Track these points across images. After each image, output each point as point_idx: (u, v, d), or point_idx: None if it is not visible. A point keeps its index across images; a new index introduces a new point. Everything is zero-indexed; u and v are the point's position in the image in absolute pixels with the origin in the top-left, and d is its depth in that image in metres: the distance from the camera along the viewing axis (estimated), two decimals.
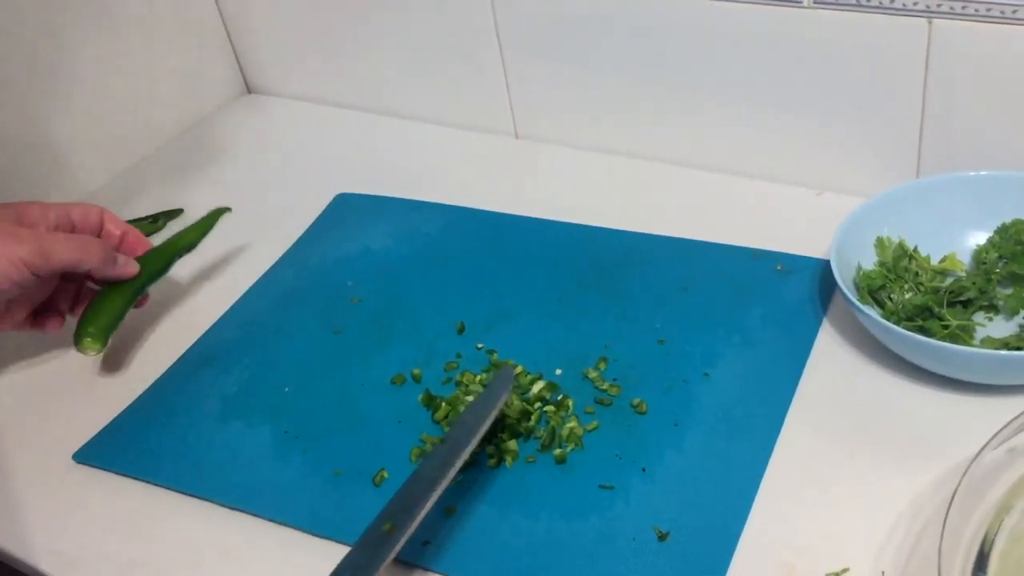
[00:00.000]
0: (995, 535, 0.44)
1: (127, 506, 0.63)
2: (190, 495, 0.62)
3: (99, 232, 0.72)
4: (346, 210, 0.86)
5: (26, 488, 0.65)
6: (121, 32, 0.93)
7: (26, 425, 0.70)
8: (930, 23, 0.67)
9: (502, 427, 0.62)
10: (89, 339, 0.68)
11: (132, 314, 0.74)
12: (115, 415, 0.68)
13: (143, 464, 0.64)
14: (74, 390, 0.72)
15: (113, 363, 0.73)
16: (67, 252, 0.65)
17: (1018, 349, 0.60)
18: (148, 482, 0.64)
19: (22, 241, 0.63)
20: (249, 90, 1.07)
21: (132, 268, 0.71)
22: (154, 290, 0.75)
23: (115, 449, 0.66)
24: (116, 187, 0.94)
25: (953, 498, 0.46)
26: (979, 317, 0.64)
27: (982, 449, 0.48)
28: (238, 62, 1.05)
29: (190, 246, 0.78)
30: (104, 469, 0.65)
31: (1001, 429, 0.49)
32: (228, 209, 0.80)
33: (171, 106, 1.00)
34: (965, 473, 0.47)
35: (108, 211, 0.73)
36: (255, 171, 0.94)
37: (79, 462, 0.66)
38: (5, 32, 0.84)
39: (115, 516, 0.62)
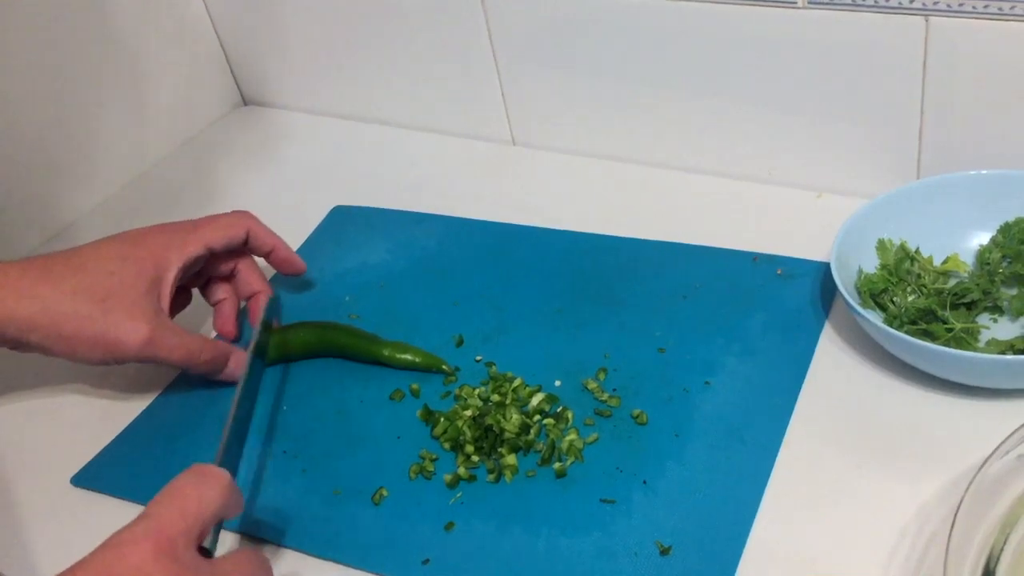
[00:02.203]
0: (1001, 550, 0.43)
1: None
2: None
3: (245, 244, 0.71)
4: (343, 223, 0.85)
5: (24, 513, 0.64)
6: (115, 48, 0.92)
7: (24, 449, 0.69)
8: (927, 21, 0.66)
9: (501, 441, 0.61)
10: None
11: None
12: (112, 438, 0.68)
13: (141, 487, 0.63)
14: (71, 414, 0.71)
15: (109, 384, 0.73)
16: (172, 358, 0.65)
17: (1023, 352, 0.59)
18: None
19: (134, 338, 0.63)
20: (245, 102, 1.07)
21: (236, 374, 0.68)
22: None
23: (113, 472, 0.65)
24: (113, 204, 0.94)
25: (958, 511, 0.45)
26: (983, 319, 0.63)
27: (987, 459, 0.47)
28: (233, 74, 1.05)
29: (379, 359, 0.69)
30: (102, 492, 0.65)
31: (1008, 437, 0.48)
32: (453, 374, 0.68)
33: (167, 120, 1.00)
34: (970, 485, 0.46)
35: (255, 225, 0.71)
36: (251, 184, 0.94)
37: (77, 486, 0.65)
38: (1, 51, 0.84)
39: None
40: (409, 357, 0.68)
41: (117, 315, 0.63)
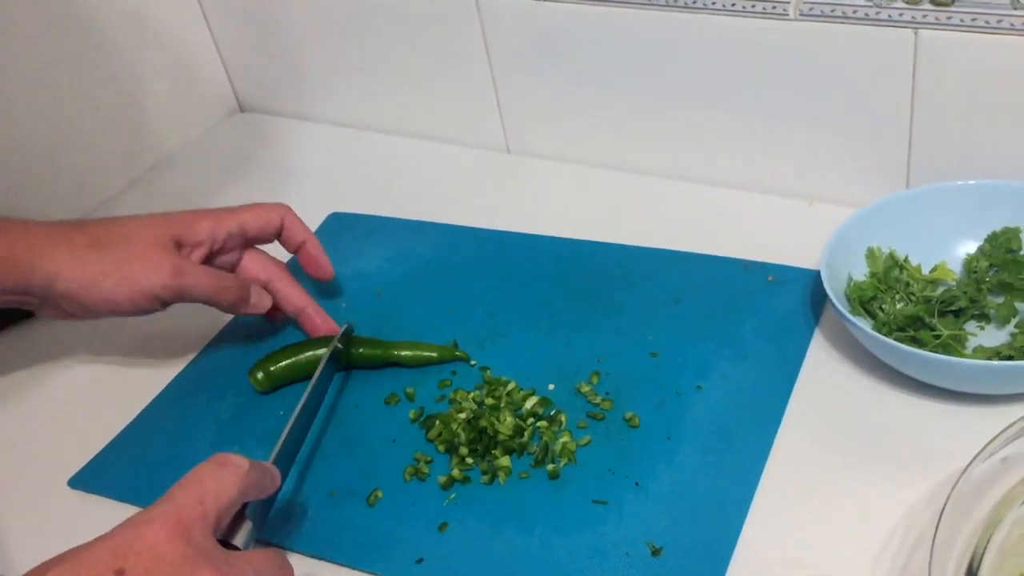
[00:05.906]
0: (984, 551, 0.44)
1: None
2: None
3: (279, 235, 0.72)
4: (339, 230, 0.86)
5: (21, 515, 0.65)
6: (112, 53, 0.93)
7: (20, 451, 0.70)
8: (916, 34, 0.67)
9: (495, 443, 0.62)
10: (255, 377, 0.69)
11: (126, 337, 0.74)
12: (110, 440, 0.68)
13: (138, 489, 0.64)
14: (68, 415, 0.72)
15: (107, 387, 0.73)
16: (200, 289, 0.67)
17: (1009, 358, 0.60)
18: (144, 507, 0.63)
19: (158, 270, 0.65)
20: (242, 109, 1.08)
21: (260, 306, 0.70)
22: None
23: (110, 474, 0.66)
24: (109, 209, 0.94)
25: (942, 514, 0.46)
26: (971, 326, 0.64)
27: (971, 463, 0.48)
28: (230, 81, 1.06)
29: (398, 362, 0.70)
30: (99, 495, 0.65)
31: (991, 441, 0.49)
32: (468, 359, 0.70)
33: (163, 126, 1.00)
34: (953, 488, 0.47)
35: (291, 215, 0.72)
36: (248, 190, 0.94)
37: (74, 488, 0.66)
38: None
39: None
40: (425, 353, 0.69)
41: (140, 252, 0.65)
